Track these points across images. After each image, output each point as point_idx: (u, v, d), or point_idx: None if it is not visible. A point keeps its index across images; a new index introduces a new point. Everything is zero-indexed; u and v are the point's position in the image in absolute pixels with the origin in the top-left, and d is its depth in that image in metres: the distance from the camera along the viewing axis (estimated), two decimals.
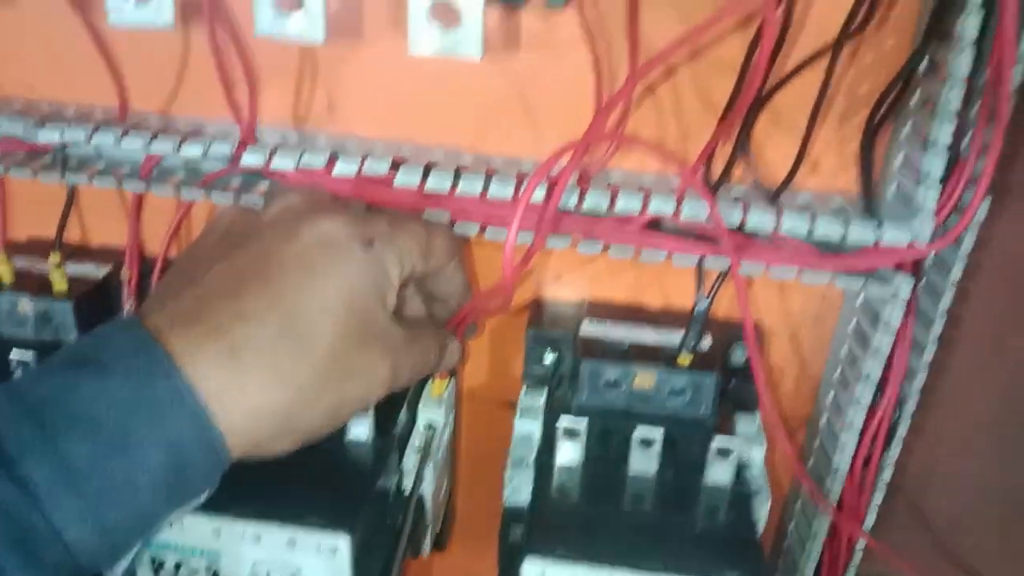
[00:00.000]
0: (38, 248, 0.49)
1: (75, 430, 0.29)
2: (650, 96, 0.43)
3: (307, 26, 0.28)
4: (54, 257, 0.46)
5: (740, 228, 0.41)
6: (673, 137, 0.44)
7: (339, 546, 0.37)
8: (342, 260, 0.35)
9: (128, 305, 0.48)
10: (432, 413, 0.46)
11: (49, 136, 0.42)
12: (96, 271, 0.48)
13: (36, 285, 0.46)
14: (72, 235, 0.51)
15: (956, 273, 0.41)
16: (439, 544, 0.53)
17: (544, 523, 0.39)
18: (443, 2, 0.28)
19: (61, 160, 0.45)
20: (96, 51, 0.44)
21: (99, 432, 0.29)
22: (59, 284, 0.46)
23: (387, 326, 0.37)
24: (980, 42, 0.36)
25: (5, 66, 0.47)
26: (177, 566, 0.38)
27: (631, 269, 0.48)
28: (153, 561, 0.39)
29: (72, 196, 0.46)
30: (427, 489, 0.46)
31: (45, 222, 0.49)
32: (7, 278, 0.46)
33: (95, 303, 0.47)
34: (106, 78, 0.45)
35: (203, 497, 0.33)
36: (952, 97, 0.37)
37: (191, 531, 0.38)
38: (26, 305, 0.46)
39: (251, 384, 0.32)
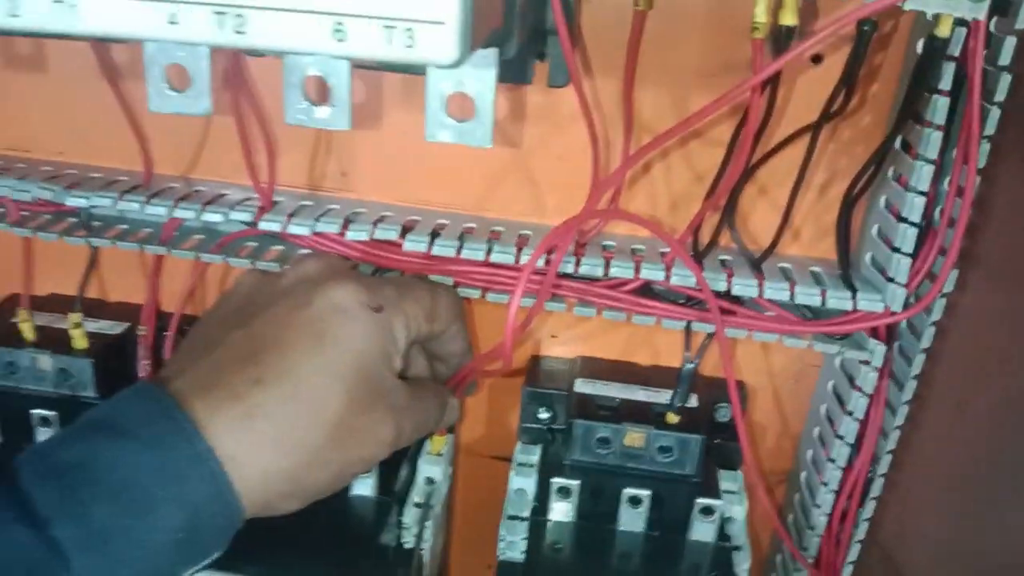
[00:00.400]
0: (58, 303, 0.51)
1: (101, 494, 0.31)
2: (644, 170, 0.46)
3: (335, 116, 0.31)
4: (74, 317, 0.48)
5: (726, 292, 0.44)
6: (664, 206, 0.47)
7: None
8: (352, 326, 0.37)
9: (144, 361, 0.50)
10: (431, 469, 0.48)
11: (77, 201, 0.45)
12: (113, 328, 0.50)
13: (56, 342, 0.49)
14: (91, 290, 0.53)
15: (926, 340, 0.43)
16: None
17: (538, 564, 0.40)
18: (458, 95, 0.31)
19: (86, 223, 0.47)
20: (124, 119, 0.47)
21: (123, 495, 0.31)
22: (79, 342, 0.48)
23: (393, 388, 0.39)
24: (949, 123, 0.39)
25: (36, 132, 0.50)
26: None
27: (623, 328, 0.50)
28: None
29: (94, 258, 0.49)
30: (425, 544, 0.47)
31: (66, 278, 0.51)
32: (29, 335, 0.49)
33: (113, 359, 0.49)
34: (132, 144, 0.48)
35: (215, 556, 0.35)
36: (923, 175, 0.40)
37: None
38: (46, 362, 0.48)
39: (264, 448, 0.34)
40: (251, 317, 0.38)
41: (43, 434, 0.45)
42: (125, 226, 0.48)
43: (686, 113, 0.44)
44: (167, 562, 0.33)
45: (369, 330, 0.38)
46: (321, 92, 0.32)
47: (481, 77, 0.31)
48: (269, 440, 0.34)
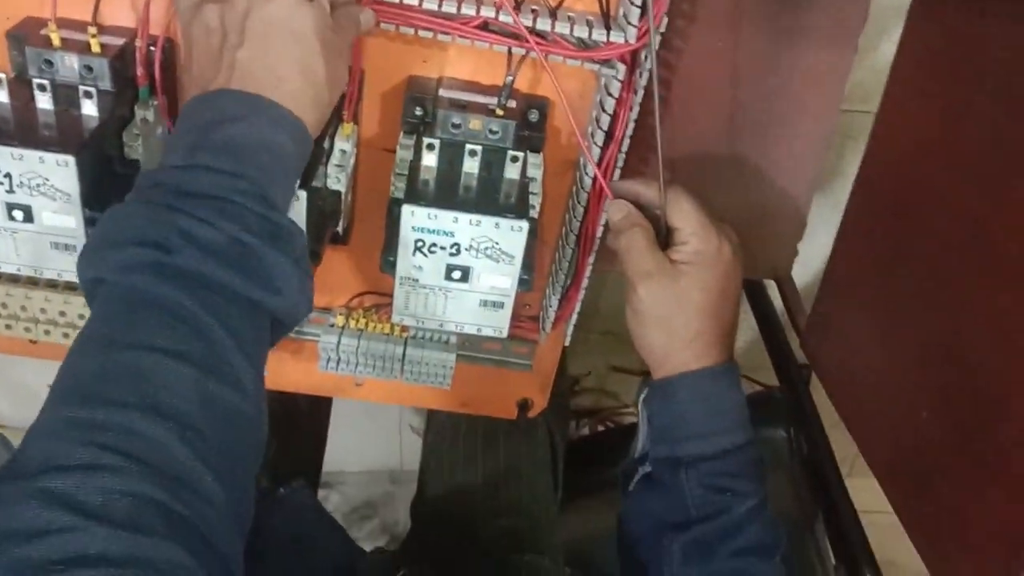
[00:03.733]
0: (64, 24, 0.72)
1: (260, 155, 0.55)
2: None
3: None
4: (92, 30, 0.69)
5: (532, 28, 0.70)
6: None
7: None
8: (302, 19, 0.59)
9: (139, 66, 0.72)
10: (344, 144, 0.74)
11: None
12: (116, 40, 0.71)
13: (77, 47, 0.70)
14: (87, 17, 0.73)
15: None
16: (344, 239, 0.81)
17: (414, 188, 0.68)
18: None
19: None
20: None
21: (264, 150, 0.55)
22: (96, 47, 0.69)
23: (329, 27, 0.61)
24: None
25: None
26: None
27: (472, 58, 0.76)
28: None
29: None
30: (342, 189, 0.74)
31: (68, 6, 0.72)
32: (57, 42, 0.69)
33: (120, 61, 0.71)
34: None
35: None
36: None
37: None
38: (74, 60, 0.69)
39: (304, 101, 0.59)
40: (237, 41, 0.57)
41: (87, 105, 0.67)
42: None
43: None
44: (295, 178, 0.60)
45: (314, 14, 0.59)
46: None
47: None
48: (309, 97, 0.59)
